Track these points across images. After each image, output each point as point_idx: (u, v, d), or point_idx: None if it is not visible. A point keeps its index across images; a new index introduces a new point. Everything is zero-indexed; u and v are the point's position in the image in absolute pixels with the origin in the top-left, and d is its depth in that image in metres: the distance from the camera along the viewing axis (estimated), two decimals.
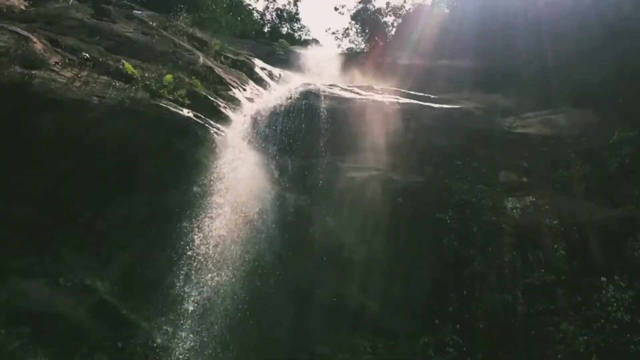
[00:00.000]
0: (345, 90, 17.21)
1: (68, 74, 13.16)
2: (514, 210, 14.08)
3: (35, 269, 11.29)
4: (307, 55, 27.79)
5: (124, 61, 14.59)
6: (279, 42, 30.50)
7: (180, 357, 11.08)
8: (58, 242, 11.96)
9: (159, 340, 11.12)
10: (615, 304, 11.83)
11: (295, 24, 40.38)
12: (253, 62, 20.94)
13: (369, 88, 18.49)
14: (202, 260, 12.13)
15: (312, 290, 12.56)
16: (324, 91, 16.28)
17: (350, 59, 28.01)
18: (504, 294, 12.64)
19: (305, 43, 34.59)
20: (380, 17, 36.98)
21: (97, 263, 12.02)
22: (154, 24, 18.80)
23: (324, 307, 12.38)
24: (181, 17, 23.36)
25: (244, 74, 18.95)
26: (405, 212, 13.69)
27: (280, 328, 11.90)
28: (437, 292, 12.80)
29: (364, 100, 16.43)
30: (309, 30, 46.52)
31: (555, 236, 13.36)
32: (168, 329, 11.36)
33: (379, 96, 17.31)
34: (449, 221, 13.49)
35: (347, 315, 12.46)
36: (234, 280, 12.12)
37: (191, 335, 11.32)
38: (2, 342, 9.98)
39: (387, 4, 37.07)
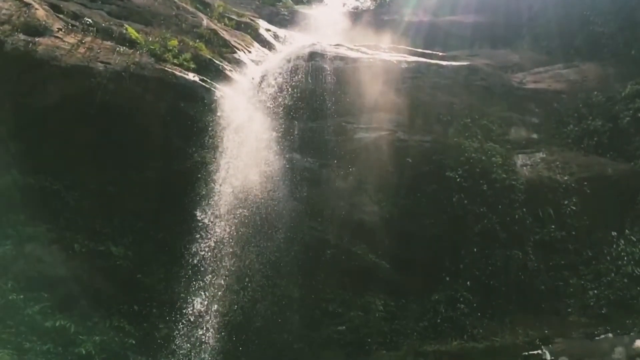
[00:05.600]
0: (352, 49, 16.89)
1: (72, 40, 13.03)
2: (524, 167, 14.02)
3: (50, 235, 11.45)
4: (312, 15, 27.22)
5: (127, 26, 14.40)
6: (283, 2, 29.74)
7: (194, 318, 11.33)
8: (71, 208, 12.10)
9: (175, 303, 11.32)
10: (625, 258, 11.93)
11: None
12: (257, 24, 20.52)
13: (376, 47, 18.12)
14: (213, 223, 12.24)
15: (324, 251, 12.66)
16: (329, 51, 16.01)
17: (356, 17, 27.35)
18: (514, 250, 12.72)
19: (309, 2, 33.80)
20: None
21: (110, 228, 12.18)
22: None
23: (335, 267, 12.51)
24: None
25: (248, 36, 18.61)
26: (414, 172, 13.67)
27: (293, 287, 12.07)
28: (447, 250, 12.90)
29: (371, 60, 16.16)
30: None
31: (566, 192, 13.35)
32: (182, 291, 11.57)
33: (386, 55, 17.00)
34: (458, 180, 13.46)
35: (358, 275, 12.59)
36: (244, 242, 12.24)
37: (204, 295, 11.53)
38: (21, 307, 10.19)
39: None
